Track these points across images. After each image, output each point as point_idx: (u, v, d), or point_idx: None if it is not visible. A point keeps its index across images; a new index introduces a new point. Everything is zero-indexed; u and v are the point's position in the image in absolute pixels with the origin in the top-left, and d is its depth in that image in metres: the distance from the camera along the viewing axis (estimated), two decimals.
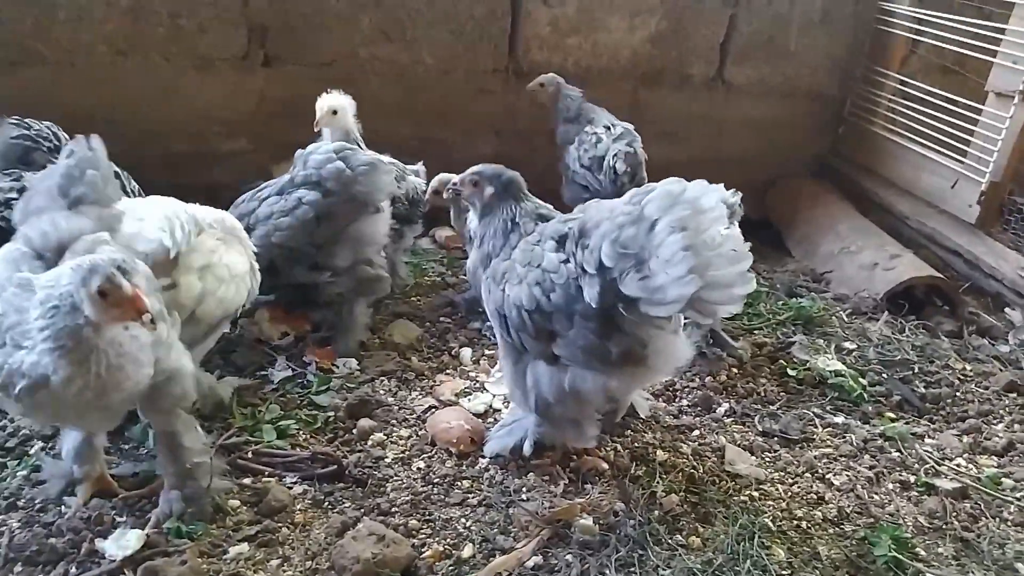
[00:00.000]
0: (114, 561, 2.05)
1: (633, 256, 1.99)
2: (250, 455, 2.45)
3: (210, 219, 2.56)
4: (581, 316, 2.15)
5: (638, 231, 1.98)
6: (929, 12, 4.32)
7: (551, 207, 2.59)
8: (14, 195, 2.47)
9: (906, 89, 4.56)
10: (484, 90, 4.25)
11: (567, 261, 2.18)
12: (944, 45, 4.31)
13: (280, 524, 2.22)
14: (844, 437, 2.84)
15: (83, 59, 3.67)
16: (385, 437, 2.63)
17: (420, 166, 3.61)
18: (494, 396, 2.91)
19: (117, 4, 3.64)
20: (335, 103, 3.36)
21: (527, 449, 2.49)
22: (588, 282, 2.10)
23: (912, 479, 2.66)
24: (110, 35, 3.70)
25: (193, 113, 3.92)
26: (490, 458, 2.54)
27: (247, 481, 2.37)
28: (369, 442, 2.59)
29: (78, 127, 2.37)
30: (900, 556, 2.25)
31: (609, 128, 3.80)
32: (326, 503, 2.31)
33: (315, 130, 3.36)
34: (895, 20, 4.57)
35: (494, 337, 3.26)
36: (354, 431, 2.62)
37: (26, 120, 2.76)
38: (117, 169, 2.48)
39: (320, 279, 3.01)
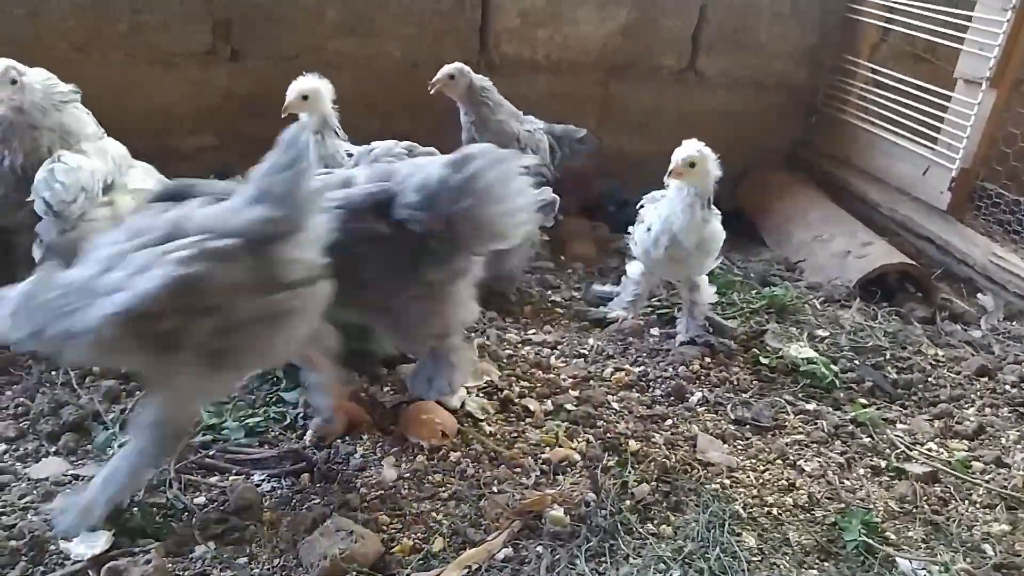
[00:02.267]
0: (80, 561, 2.02)
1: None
2: (216, 453, 2.42)
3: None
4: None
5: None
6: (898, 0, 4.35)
7: None
8: None
9: (877, 77, 4.58)
10: None
11: None
12: (914, 33, 4.33)
13: (247, 522, 2.19)
14: (816, 424, 2.85)
15: (42, 55, 3.59)
16: (355, 433, 2.60)
17: None
18: (467, 390, 2.88)
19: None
20: (307, 87, 3.28)
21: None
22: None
23: (883, 464, 2.67)
24: (70, 31, 3.64)
25: (157, 110, 3.86)
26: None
27: (214, 479, 2.34)
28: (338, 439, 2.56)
29: None
30: (870, 540, 2.26)
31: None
32: (294, 500, 2.28)
33: (282, 116, 3.30)
34: (865, 8, 4.59)
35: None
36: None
37: None
38: None
39: None
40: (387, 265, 2.39)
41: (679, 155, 2.93)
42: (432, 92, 3.69)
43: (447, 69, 3.65)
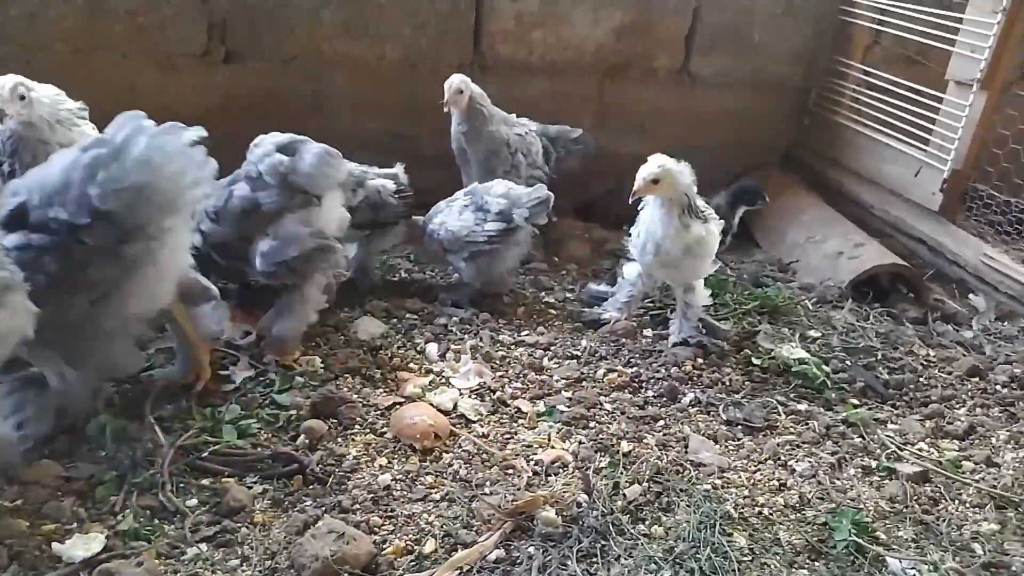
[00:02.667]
0: (72, 564, 2.02)
1: None
2: (208, 455, 2.42)
3: None
4: None
5: None
6: (890, 2, 4.36)
7: None
8: None
9: (870, 79, 4.60)
10: None
11: None
12: (906, 35, 4.35)
13: (239, 524, 2.20)
14: (807, 424, 2.86)
15: (40, 57, 3.61)
16: (348, 434, 2.61)
17: (399, 168, 3.53)
18: (460, 391, 2.89)
19: (73, 1, 3.59)
20: None
21: None
22: None
23: (874, 464, 2.69)
24: (67, 33, 3.65)
25: (156, 111, 3.83)
26: None
27: (206, 482, 2.34)
28: (331, 440, 2.57)
29: None
30: (860, 540, 2.27)
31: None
32: (286, 502, 2.29)
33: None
34: (857, 11, 4.61)
35: (460, 332, 3.27)
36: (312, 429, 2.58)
37: None
38: None
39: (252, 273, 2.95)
40: (50, 282, 2.17)
41: (641, 174, 2.95)
42: (446, 110, 3.69)
43: (455, 84, 3.63)
